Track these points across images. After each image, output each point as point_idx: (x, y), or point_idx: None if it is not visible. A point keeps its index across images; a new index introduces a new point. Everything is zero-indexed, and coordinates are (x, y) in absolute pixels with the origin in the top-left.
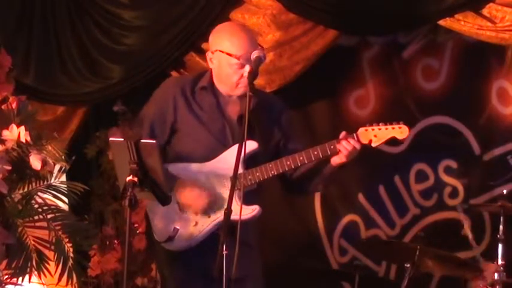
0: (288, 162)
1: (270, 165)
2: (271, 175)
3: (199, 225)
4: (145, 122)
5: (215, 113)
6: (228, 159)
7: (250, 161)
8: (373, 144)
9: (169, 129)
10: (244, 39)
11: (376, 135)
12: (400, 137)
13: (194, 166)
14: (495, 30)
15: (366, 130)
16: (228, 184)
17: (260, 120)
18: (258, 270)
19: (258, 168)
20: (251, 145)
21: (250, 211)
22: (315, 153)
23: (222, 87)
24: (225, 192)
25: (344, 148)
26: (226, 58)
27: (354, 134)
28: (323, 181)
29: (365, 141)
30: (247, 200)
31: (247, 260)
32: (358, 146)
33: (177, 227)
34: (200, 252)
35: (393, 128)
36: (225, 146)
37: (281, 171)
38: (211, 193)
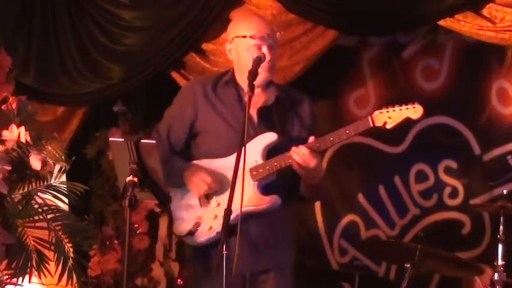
0: None
1: (288, 155)
2: (288, 164)
3: (219, 219)
4: (164, 121)
5: (236, 106)
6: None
7: (270, 155)
8: (388, 126)
9: (188, 128)
10: (258, 20)
11: (391, 116)
12: (414, 116)
13: (208, 161)
14: (495, 31)
15: (381, 113)
16: (246, 176)
17: (282, 114)
18: (284, 262)
19: (275, 158)
20: (270, 137)
21: (267, 201)
22: (331, 139)
23: (242, 79)
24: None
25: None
26: (242, 42)
27: (369, 117)
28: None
29: (379, 124)
30: (267, 191)
31: (271, 252)
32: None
33: (199, 221)
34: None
35: (407, 109)
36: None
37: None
38: (215, 178)
